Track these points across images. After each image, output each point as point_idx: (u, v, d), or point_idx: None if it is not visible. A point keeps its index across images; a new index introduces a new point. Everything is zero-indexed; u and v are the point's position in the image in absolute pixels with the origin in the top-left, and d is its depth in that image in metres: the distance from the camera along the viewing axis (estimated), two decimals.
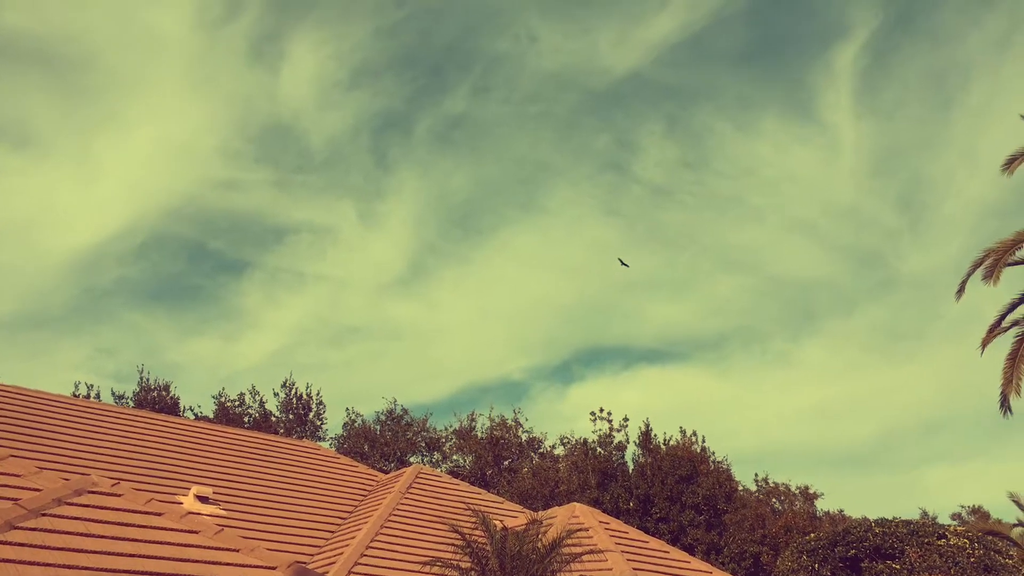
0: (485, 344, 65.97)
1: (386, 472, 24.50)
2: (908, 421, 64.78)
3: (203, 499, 14.64)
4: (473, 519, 12.12)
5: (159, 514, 10.11)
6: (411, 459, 35.20)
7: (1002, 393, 15.26)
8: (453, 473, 33.69)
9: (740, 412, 61.00)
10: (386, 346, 63.41)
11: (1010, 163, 15.48)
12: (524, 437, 36.75)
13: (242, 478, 16.93)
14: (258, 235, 65.13)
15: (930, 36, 65.54)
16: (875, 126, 68.26)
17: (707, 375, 63.90)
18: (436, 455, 36.77)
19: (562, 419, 73.92)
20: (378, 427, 36.19)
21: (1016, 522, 22.27)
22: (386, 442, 35.33)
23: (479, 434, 36.31)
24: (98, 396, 32.19)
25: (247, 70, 62.42)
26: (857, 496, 71.73)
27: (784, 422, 60.97)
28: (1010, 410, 15.45)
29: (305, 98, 65.12)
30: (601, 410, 33.74)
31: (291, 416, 35.21)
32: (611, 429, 33.50)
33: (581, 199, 71.04)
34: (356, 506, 17.84)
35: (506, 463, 35.95)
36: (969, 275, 15.79)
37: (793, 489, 37.22)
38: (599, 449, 33.05)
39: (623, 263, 33.02)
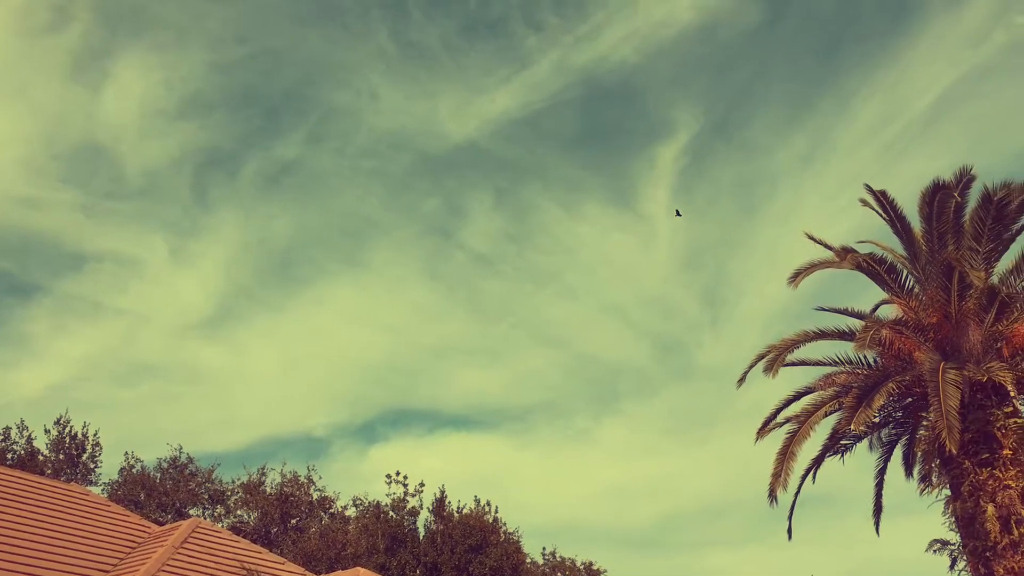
0: (289, 396, 63.89)
1: (161, 524, 22.98)
2: (694, 504, 67.61)
3: None
4: None
5: None
6: (191, 511, 33.24)
7: (771, 485, 16.28)
8: (235, 529, 32.03)
9: (538, 485, 61.88)
10: (183, 389, 60.12)
11: (795, 276, 16.71)
12: (316, 496, 35.65)
13: None
14: (54, 259, 60.69)
15: (743, 147, 70.90)
16: (688, 222, 72.60)
17: (510, 446, 64.56)
18: (219, 509, 34.91)
19: (361, 479, 72.29)
20: (158, 475, 34.04)
21: None
22: (165, 491, 33.21)
23: (268, 489, 34.88)
24: None
25: (66, 85, 58.83)
26: (639, 575, 73.98)
27: (579, 498, 62.23)
28: (776, 501, 16.47)
29: (126, 122, 62.01)
30: (397, 473, 33.35)
31: (61, 456, 32.52)
32: (406, 493, 33.07)
33: (404, 259, 71.13)
34: (121, 559, 16.56)
35: (294, 522, 34.63)
36: (751, 366, 16.84)
37: (578, 565, 37.87)
38: (391, 513, 32.48)
39: (678, 213, 34.81)
